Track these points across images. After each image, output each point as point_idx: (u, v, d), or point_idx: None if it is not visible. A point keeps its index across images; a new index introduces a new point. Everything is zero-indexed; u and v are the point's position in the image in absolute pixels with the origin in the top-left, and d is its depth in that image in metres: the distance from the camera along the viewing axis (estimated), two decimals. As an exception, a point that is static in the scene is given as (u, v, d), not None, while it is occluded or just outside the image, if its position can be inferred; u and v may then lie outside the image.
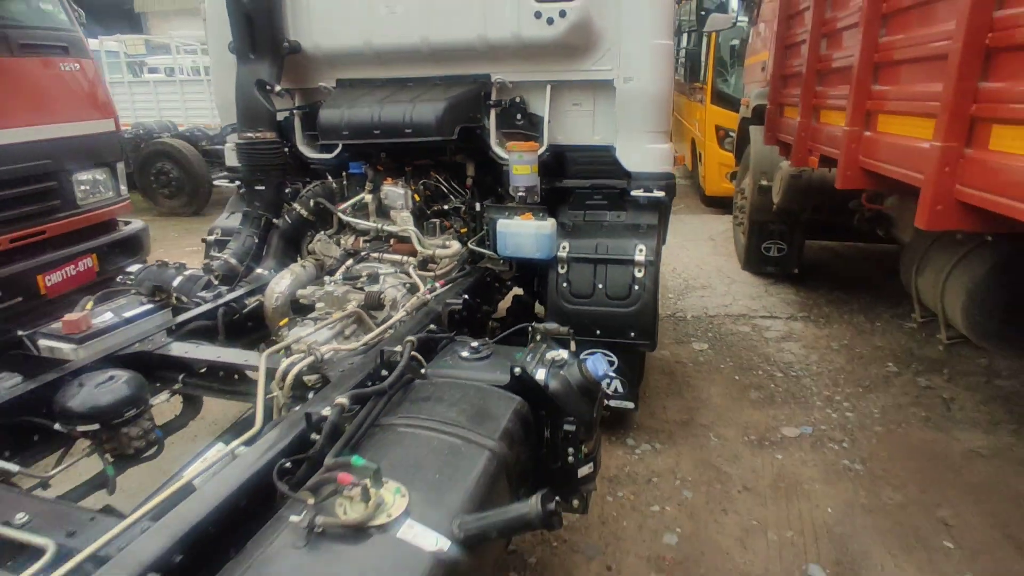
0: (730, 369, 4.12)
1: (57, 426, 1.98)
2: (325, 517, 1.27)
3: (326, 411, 1.63)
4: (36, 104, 3.30)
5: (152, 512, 1.40)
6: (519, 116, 3.25)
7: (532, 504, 1.35)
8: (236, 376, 2.30)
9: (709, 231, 7.55)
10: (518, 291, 3.75)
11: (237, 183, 3.85)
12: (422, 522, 1.31)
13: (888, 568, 2.47)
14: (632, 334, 2.98)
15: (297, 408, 1.83)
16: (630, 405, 3.17)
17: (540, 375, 1.94)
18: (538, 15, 2.94)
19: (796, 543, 2.62)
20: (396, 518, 1.30)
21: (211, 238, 3.70)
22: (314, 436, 1.63)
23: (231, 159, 3.82)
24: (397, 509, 1.32)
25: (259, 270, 3.19)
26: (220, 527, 1.33)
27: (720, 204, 8.34)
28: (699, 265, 6.26)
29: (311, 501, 1.31)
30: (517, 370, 1.93)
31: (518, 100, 3.25)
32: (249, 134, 3.25)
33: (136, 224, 3.99)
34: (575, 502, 2.07)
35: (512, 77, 3.19)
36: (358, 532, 1.26)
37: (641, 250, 3.01)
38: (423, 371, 1.99)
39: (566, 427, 1.96)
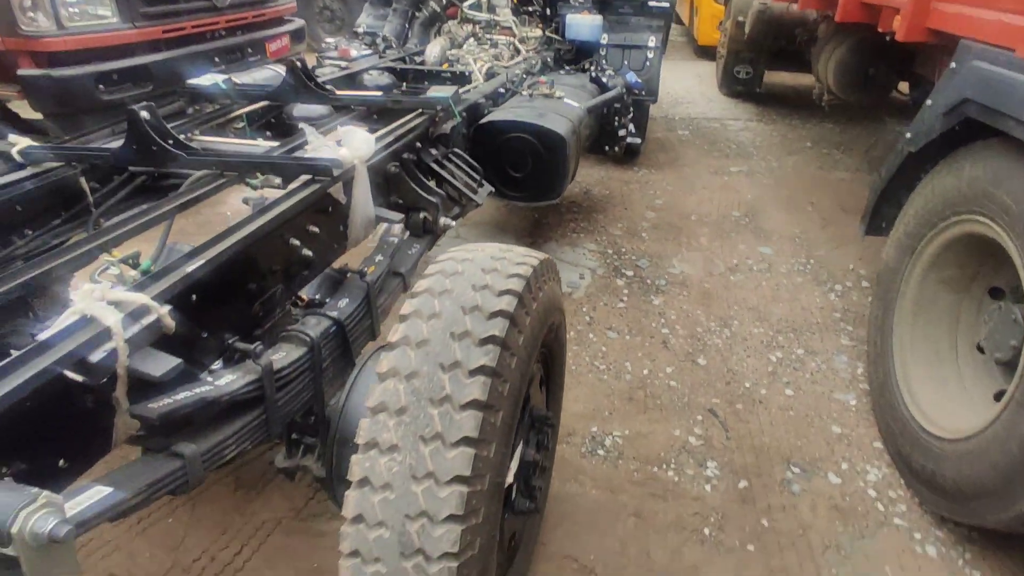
0: (702, 143, 6.15)
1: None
2: (533, 92, 3.25)
3: (515, 71, 3.60)
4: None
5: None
6: (581, -51, 4.98)
7: (624, 86, 3.37)
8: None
9: (697, 71, 9.33)
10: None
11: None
12: (572, 101, 3.31)
13: (773, 214, 4.63)
14: (643, 92, 4.92)
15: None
16: (639, 140, 5.19)
17: (604, 79, 3.91)
18: None
19: (728, 204, 4.76)
20: (562, 97, 3.29)
21: (360, 30, 5.46)
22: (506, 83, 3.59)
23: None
24: (561, 95, 3.31)
25: (408, 44, 5.02)
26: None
27: (709, 53, 9.98)
28: (687, 91, 8.12)
29: (525, 89, 3.30)
30: (593, 75, 3.90)
31: (578, -60, 4.96)
32: (403, -47, 4.95)
33: (300, 20, 5.69)
34: (616, 148, 4.12)
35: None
36: (548, 96, 3.26)
37: (652, 40, 4.88)
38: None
39: (615, 105, 3.96)
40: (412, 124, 2.38)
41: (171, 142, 1.90)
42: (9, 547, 0.90)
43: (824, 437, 2.58)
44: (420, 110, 2.50)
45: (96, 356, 1.06)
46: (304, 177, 1.76)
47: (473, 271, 1.38)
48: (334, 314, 1.71)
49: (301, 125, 2.02)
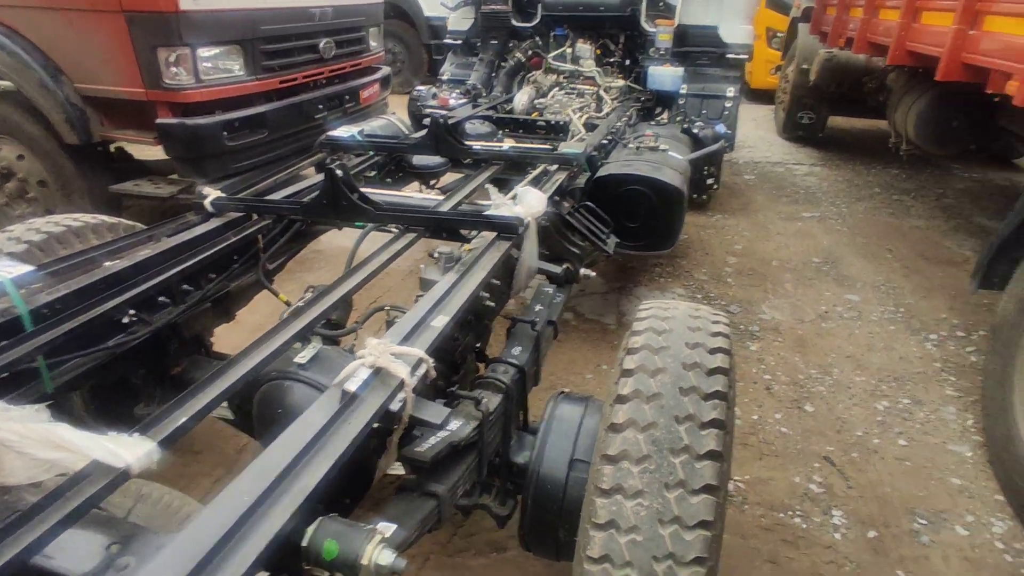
0: (769, 188, 6.26)
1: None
2: (640, 145, 3.42)
3: (614, 122, 3.78)
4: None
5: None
6: (661, 4, 5.20)
7: (714, 137, 3.52)
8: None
9: (753, 115, 9.48)
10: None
11: (459, 42, 5.85)
12: (675, 153, 3.46)
13: (853, 261, 4.69)
14: (722, 141, 5.07)
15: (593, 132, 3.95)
16: (716, 187, 5.32)
17: (695, 130, 4.07)
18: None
19: (806, 250, 4.84)
20: (667, 150, 3.44)
21: (444, 78, 5.75)
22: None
23: (455, 24, 5.83)
24: (666, 147, 3.47)
25: (493, 92, 5.28)
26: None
27: (762, 97, 10.16)
28: (745, 135, 8.26)
29: (632, 141, 3.46)
30: (686, 127, 4.06)
31: (662, -7, 5.20)
32: (492, 6, 5.24)
33: (387, 68, 6.01)
34: (705, 196, 4.26)
35: (658, -21, 5.12)
36: (654, 148, 3.41)
37: (731, 90, 5.05)
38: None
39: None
40: (555, 179, 2.56)
41: (357, 196, 2.09)
42: (355, 580, 1.02)
43: (945, 488, 2.62)
44: (556, 165, 2.69)
45: (395, 406, 1.21)
46: (488, 234, 1.93)
47: (680, 329, 1.51)
48: (516, 362, 1.85)
49: (487, 186, 2.20)
